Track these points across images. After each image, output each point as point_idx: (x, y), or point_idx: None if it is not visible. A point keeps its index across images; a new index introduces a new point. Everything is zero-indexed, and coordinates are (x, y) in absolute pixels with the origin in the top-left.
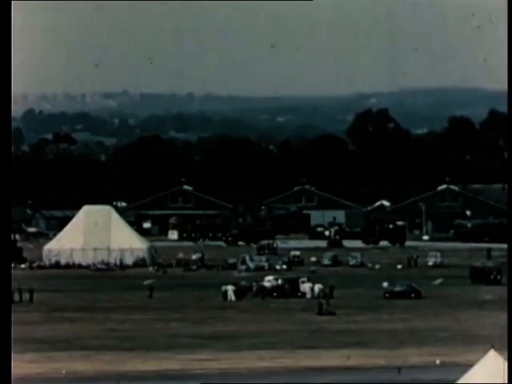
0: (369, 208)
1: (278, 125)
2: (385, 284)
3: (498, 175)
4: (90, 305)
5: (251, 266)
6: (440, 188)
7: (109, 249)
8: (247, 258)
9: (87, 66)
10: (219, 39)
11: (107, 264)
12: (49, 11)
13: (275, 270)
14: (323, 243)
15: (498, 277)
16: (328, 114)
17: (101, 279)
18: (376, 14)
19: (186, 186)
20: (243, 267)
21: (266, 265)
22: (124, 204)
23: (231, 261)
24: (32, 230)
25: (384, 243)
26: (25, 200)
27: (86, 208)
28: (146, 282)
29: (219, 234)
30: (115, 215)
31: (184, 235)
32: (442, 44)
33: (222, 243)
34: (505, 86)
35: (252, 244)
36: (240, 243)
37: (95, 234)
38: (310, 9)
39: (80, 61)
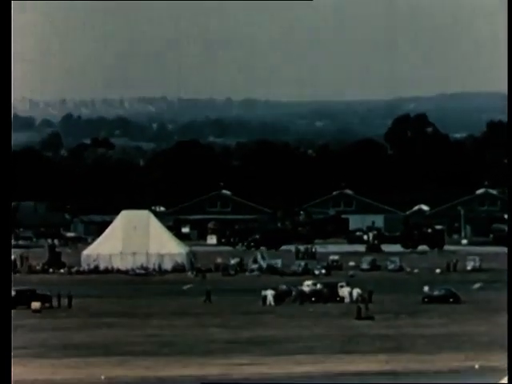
0: (407, 212)
1: (317, 129)
2: (425, 288)
3: None
4: (129, 310)
5: (263, 264)
6: (479, 192)
7: (147, 254)
8: (259, 256)
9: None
10: (258, 44)
11: (146, 269)
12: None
13: (313, 274)
14: (362, 248)
15: None
16: (367, 118)
17: (140, 284)
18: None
19: (224, 191)
20: (255, 266)
21: (279, 263)
22: (162, 209)
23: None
24: (70, 234)
25: (423, 247)
26: (63, 205)
27: (124, 213)
28: (186, 287)
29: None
30: (154, 220)
31: (223, 240)
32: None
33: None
34: None
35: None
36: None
37: (134, 238)
38: (341, 16)
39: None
